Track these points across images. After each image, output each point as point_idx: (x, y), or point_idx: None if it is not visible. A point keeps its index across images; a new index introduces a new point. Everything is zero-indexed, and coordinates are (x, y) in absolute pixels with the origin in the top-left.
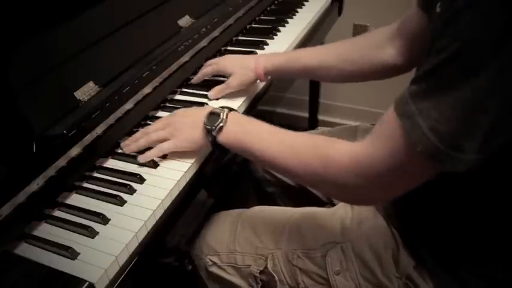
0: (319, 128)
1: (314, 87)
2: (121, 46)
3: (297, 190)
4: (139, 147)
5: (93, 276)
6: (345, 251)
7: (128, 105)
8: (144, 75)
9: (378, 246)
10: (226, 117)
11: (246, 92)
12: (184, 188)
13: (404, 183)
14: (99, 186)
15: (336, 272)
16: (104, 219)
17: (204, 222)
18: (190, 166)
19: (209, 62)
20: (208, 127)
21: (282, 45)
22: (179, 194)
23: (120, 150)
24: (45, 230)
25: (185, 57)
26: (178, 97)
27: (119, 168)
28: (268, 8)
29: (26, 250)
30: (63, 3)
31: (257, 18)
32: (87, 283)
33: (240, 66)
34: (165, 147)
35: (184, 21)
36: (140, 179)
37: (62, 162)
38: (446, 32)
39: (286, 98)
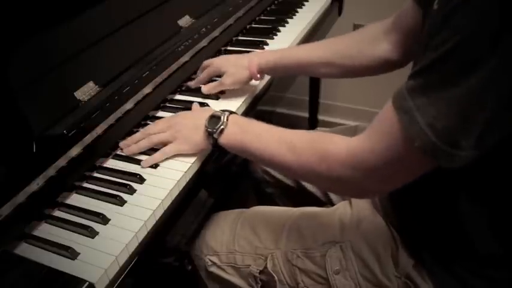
0: (318, 128)
1: (314, 87)
2: (121, 46)
3: (296, 190)
4: (141, 148)
5: (93, 276)
6: (344, 250)
7: (128, 105)
8: (144, 75)
9: (377, 245)
10: (227, 119)
11: (246, 92)
12: (184, 188)
13: (401, 177)
14: (99, 186)
15: (336, 272)
16: (104, 219)
17: (204, 222)
18: (190, 166)
19: (204, 62)
20: (210, 130)
21: (282, 45)
22: (179, 194)
23: (120, 151)
24: (45, 230)
25: (185, 57)
26: (178, 97)
27: (119, 168)
28: (268, 8)
29: (26, 250)
30: (63, 3)
31: (257, 18)
32: (87, 283)
33: (233, 65)
34: (167, 151)
35: (184, 21)
36: (140, 179)
37: (62, 162)
38: (444, 27)
39: (286, 98)
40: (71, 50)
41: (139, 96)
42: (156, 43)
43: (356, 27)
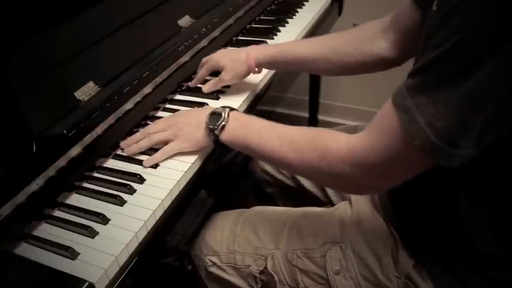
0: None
1: (314, 87)
2: (121, 46)
3: (296, 190)
4: (141, 148)
5: (93, 276)
6: (344, 250)
7: (128, 105)
8: (144, 75)
9: (377, 245)
10: (228, 116)
11: (246, 92)
12: (184, 188)
13: (400, 174)
14: (99, 186)
15: (336, 272)
16: (104, 219)
17: (204, 222)
18: (191, 166)
19: (203, 59)
20: (211, 127)
21: None
22: (179, 194)
23: (120, 151)
24: (45, 230)
25: (185, 57)
26: (178, 97)
27: (119, 168)
28: (268, 8)
29: (26, 250)
30: (63, 3)
31: (257, 18)
32: (87, 283)
33: (230, 60)
34: (168, 149)
35: (184, 21)
36: (140, 179)
37: (62, 162)
38: (443, 27)
39: (286, 98)
40: (71, 50)
41: (139, 96)
42: (156, 43)
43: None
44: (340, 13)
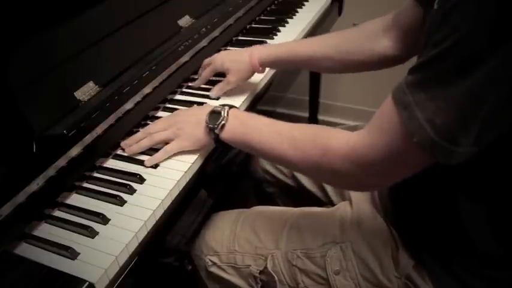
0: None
1: (314, 87)
2: (121, 46)
3: (297, 190)
4: (142, 148)
5: (93, 276)
6: (344, 250)
7: (128, 105)
8: (144, 75)
9: (378, 246)
10: (227, 114)
11: (246, 92)
12: (184, 188)
13: (400, 171)
14: (99, 186)
15: (336, 272)
16: (104, 219)
17: (204, 222)
18: (191, 166)
19: (205, 61)
20: (211, 126)
21: None
22: (179, 194)
23: (120, 151)
24: (45, 230)
25: (185, 57)
26: (178, 97)
27: (119, 168)
28: (268, 8)
29: (26, 250)
30: (63, 3)
31: (257, 18)
32: (87, 283)
33: (234, 61)
34: (169, 149)
35: (184, 21)
36: (140, 179)
37: (62, 162)
38: (443, 25)
39: (286, 98)
40: (71, 50)
41: (139, 96)
42: (156, 43)
43: None
44: (340, 13)
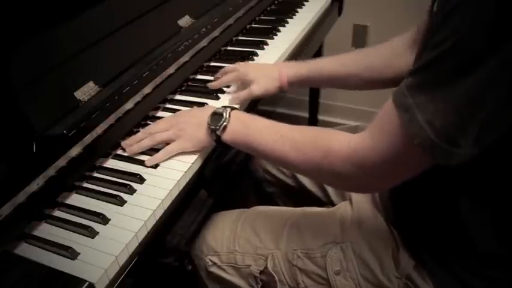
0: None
1: (314, 88)
2: (121, 46)
3: (297, 190)
4: (143, 148)
5: (93, 276)
6: (344, 251)
7: (128, 105)
8: (144, 75)
9: (378, 246)
10: (229, 116)
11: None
12: (184, 188)
13: (400, 173)
14: (99, 186)
15: (336, 272)
16: (104, 219)
17: (204, 222)
18: (190, 166)
19: (227, 68)
20: (213, 127)
21: (282, 45)
22: (179, 194)
23: (120, 151)
24: (45, 230)
25: (185, 57)
26: (178, 97)
27: (119, 168)
28: (268, 8)
29: (26, 250)
30: (63, 3)
31: (257, 18)
32: (87, 283)
33: (263, 75)
34: (171, 149)
35: (184, 21)
36: (140, 179)
37: (62, 162)
38: (442, 27)
39: (286, 98)
40: (71, 50)
41: (139, 96)
42: (156, 43)
43: (356, 27)
44: (340, 13)
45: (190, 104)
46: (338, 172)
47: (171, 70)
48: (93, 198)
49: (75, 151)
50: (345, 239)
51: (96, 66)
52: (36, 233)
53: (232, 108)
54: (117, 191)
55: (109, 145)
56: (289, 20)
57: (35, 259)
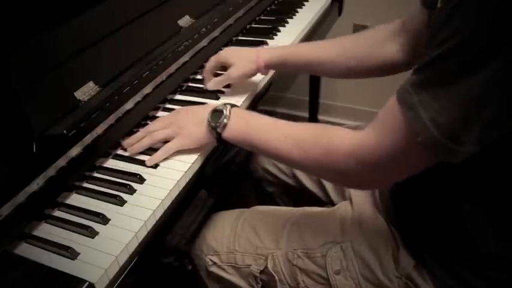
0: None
1: (314, 88)
2: (121, 46)
3: (297, 190)
4: (143, 146)
5: (93, 276)
6: (345, 250)
7: (128, 105)
8: (144, 75)
9: (378, 245)
10: (230, 113)
11: (246, 92)
12: (184, 188)
13: (403, 170)
14: (99, 186)
15: (336, 272)
16: (104, 219)
17: (204, 222)
18: (191, 166)
19: (211, 58)
20: (213, 124)
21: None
22: (179, 194)
23: (120, 151)
24: (45, 230)
25: (185, 57)
26: (178, 97)
27: (119, 168)
28: (268, 8)
29: (26, 250)
30: (63, 3)
31: (257, 18)
32: (87, 283)
33: (240, 58)
34: (170, 147)
35: (184, 21)
36: (140, 179)
37: (62, 162)
38: (446, 25)
39: (286, 98)
40: (71, 50)
41: (139, 96)
42: (156, 43)
43: (356, 27)
44: (340, 13)
45: (190, 104)
46: (340, 168)
47: (171, 70)
48: (93, 198)
49: (75, 151)
50: (345, 239)
51: (96, 66)
52: (36, 233)
53: (232, 105)
54: (117, 191)
55: (109, 145)
56: (289, 20)
57: (35, 259)
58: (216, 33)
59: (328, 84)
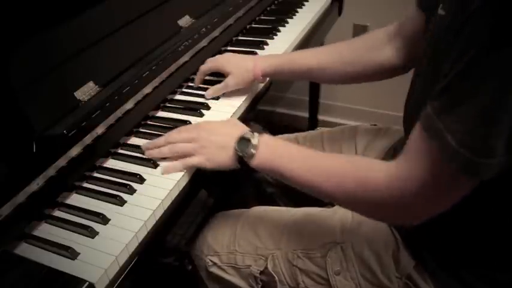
0: (318, 128)
1: (314, 88)
2: (121, 46)
3: (297, 191)
4: (163, 155)
5: (93, 276)
6: (345, 251)
7: (128, 105)
8: (144, 75)
9: (378, 246)
10: (258, 142)
11: (246, 92)
12: (184, 188)
13: (444, 200)
14: (99, 186)
15: (336, 272)
16: (104, 219)
17: (204, 222)
18: None
19: (207, 60)
20: (240, 154)
21: (282, 45)
22: (179, 194)
23: (120, 151)
24: (45, 230)
25: (185, 57)
26: (178, 97)
27: (119, 168)
28: (268, 8)
29: (26, 250)
30: (63, 3)
31: (257, 18)
32: (87, 283)
33: (238, 66)
34: (189, 163)
35: (184, 21)
36: (140, 179)
37: (62, 162)
38: (457, 40)
39: (286, 98)
40: (71, 50)
41: (139, 96)
42: (156, 43)
43: (356, 27)
44: (340, 13)
45: (190, 104)
46: (378, 204)
47: (171, 70)
48: (93, 198)
49: (75, 151)
50: (345, 239)
51: (96, 66)
52: (36, 233)
53: (260, 133)
54: (117, 191)
55: (109, 145)
56: (289, 20)
57: (35, 259)
58: (216, 33)
59: (328, 85)
